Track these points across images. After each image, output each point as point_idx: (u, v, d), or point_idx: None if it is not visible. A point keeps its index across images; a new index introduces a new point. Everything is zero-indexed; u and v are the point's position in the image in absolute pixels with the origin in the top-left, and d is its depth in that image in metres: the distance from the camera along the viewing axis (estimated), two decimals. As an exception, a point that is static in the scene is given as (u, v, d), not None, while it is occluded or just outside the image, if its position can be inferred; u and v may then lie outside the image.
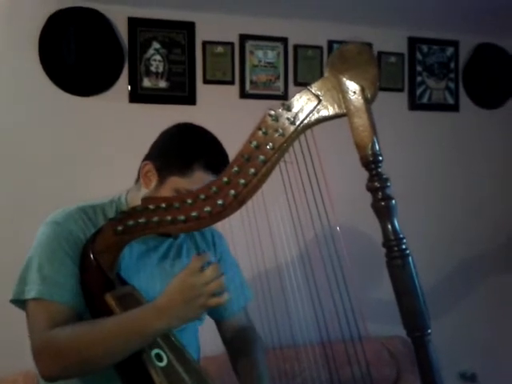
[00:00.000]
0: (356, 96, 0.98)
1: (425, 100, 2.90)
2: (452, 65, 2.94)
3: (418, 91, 2.88)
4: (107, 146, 2.45)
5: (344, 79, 0.99)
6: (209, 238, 1.54)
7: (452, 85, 2.94)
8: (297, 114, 1.02)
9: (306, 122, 1.02)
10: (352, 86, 0.98)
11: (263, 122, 1.05)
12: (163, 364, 1.22)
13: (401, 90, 2.85)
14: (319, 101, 1.00)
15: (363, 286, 1.19)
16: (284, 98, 2.67)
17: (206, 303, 1.17)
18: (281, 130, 1.03)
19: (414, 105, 2.88)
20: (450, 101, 2.94)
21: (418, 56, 2.88)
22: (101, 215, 1.34)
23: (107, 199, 1.41)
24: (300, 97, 1.02)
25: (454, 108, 2.96)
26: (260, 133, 1.04)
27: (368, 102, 0.98)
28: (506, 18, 2.68)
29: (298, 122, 1.02)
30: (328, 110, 1.00)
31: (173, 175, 1.29)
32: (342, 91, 0.99)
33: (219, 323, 1.60)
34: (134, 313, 1.19)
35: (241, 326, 1.59)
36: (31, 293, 1.22)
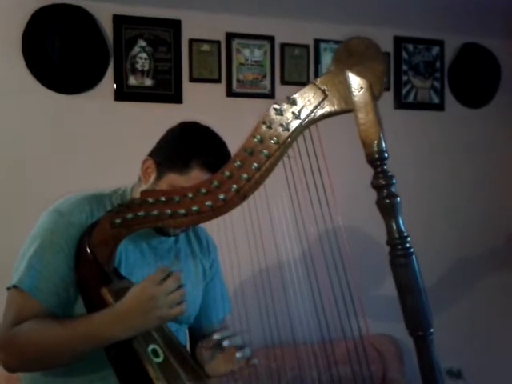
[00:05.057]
0: (363, 92, 0.97)
1: (410, 99, 2.91)
2: (437, 64, 2.96)
3: (404, 90, 2.90)
4: (92, 144, 2.42)
5: (351, 74, 0.98)
6: (204, 243, 1.54)
7: (437, 84, 2.96)
8: (302, 108, 1.00)
9: (311, 116, 1.00)
10: (359, 82, 0.97)
11: (267, 115, 1.03)
12: (160, 360, 1.22)
13: (387, 88, 2.86)
14: (325, 96, 0.98)
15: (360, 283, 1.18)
16: (271, 96, 2.67)
17: (164, 314, 1.17)
18: (285, 125, 1.01)
19: (400, 104, 2.89)
20: (436, 100, 2.96)
21: (404, 55, 2.89)
22: (109, 205, 1.32)
23: (111, 190, 1.40)
24: (305, 91, 1.00)
25: (440, 107, 2.98)
26: (264, 127, 1.03)
27: (375, 98, 0.97)
28: (491, 18, 2.72)
29: (302, 117, 1.00)
30: (334, 106, 0.99)
31: (170, 172, 1.28)
32: (349, 86, 0.98)
33: (193, 330, 1.57)
34: (93, 316, 1.19)
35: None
36: (14, 280, 1.23)
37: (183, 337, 1.50)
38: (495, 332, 3.02)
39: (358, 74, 0.97)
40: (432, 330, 1.01)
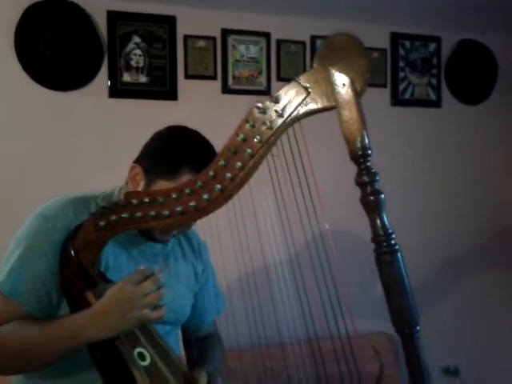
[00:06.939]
0: (345, 88, 0.95)
1: (407, 96, 2.90)
2: (434, 61, 2.95)
3: (401, 87, 2.89)
4: (86, 142, 2.41)
5: (333, 71, 0.96)
6: (195, 246, 1.53)
7: (434, 80, 2.95)
8: (285, 106, 0.98)
9: (294, 114, 0.98)
10: (341, 78, 0.95)
11: (250, 114, 1.01)
12: (146, 363, 1.19)
13: (383, 85, 2.85)
14: (308, 93, 0.97)
15: (349, 281, 1.17)
16: (267, 93, 2.66)
17: (142, 316, 1.15)
18: (268, 123, 0.99)
19: (397, 100, 2.88)
20: (433, 96, 2.95)
21: (401, 52, 2.88)
22: (94, 207, 1.29)
23: (99, 192, 1.37)
24: (288, 89, 0.98)
25: (437, 104, 2.97)
26: (247, 125, 1.01)
27: (358, 94, 0.96)
28: (487, 14, 2.69)
29: (286, 115, 0.98)
30: (317, 103, 0.97)
31: (160, 179, 1.26)
32: (332, 83, 0.96)
33: (186, 331, 1.57)
34: (70, 317, 1.17)
35: (207, 333, 1.59)
36: None
37: (175, 338, 1.49)
38: (492, 329, 3.01)
39: (341, 70, 0.95)
40: (418, 327, 1.00)
